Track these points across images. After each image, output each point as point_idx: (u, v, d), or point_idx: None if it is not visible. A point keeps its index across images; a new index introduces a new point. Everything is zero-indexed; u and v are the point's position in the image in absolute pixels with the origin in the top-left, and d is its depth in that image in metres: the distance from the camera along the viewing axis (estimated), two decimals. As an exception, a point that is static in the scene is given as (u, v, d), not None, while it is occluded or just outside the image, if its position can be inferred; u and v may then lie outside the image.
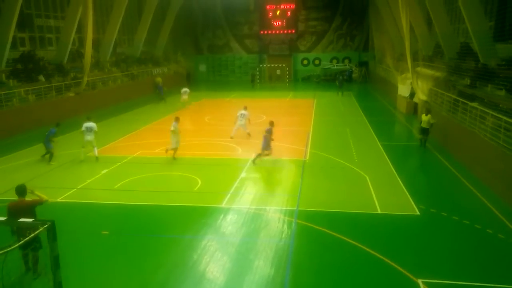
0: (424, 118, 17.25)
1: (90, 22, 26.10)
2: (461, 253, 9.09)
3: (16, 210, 7.77)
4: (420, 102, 23.51)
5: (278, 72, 47.33)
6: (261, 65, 48.27)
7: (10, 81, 23.54)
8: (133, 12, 40.42)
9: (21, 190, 8.02)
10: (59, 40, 29.54)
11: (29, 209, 7.80)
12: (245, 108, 20.46)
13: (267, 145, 15.39)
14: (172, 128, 15.99)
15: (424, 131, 17.44)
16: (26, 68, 25.21)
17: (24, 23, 26.86)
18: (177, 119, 16.30)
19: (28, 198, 8.04)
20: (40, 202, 7.94)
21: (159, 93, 33.79)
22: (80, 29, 28.91)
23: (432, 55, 26.64)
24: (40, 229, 7.39)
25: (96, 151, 16.20)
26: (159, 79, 36.19)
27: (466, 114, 16.09)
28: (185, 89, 29.67)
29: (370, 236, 9.77)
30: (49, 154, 16.10)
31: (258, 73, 46.36)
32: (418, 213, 11.07)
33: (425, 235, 9.92)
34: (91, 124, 15.95)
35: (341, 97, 33.90)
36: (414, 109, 25.23)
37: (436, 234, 9.99)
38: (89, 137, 15.82)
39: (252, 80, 43.96)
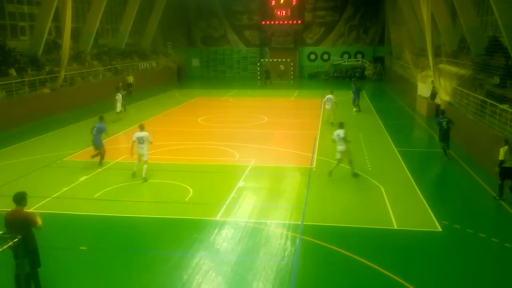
0: (502, 151, 12.76)
1: (68, 9, 26.17)
2: (488, 275, 9.06)
3: (12, 220, 7.80)
4: (442, 103, 23.56)
5: (281, 67, 47.37)
6: (262, 60, 48.41)
7: (-23, 75, 23.62)
8: (117, -1, 40.62)
9: (18, 198, 7.93)
10: (33, 29, 29.62)
11: (24, 221, 7.78)
12: (332, 92, 23.69)
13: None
14: (342, 136, 14.65)
15: (507, 172, 12.74)
16: (-5, 61, 25.28)
17: (-7, 9, 26.96)
18: (341, 125, 15.01)
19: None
20: (34, 223, 7.85)
21: (130, 92, 32.48)
22: (58, 17, 28.99)
23: (456, 50, 26.72)
24: (9, 243, 7.41)
25: (145, 169, 14.77)
26: (130, 78, 34.22)
27: (495, 118, 16.11)
28: (119, 95, 24.99)
29: (384, 254, 9.75)
30: (100, 155, 16.15)
31: (259, 68, 46.62)
32: (440, 229, 11.06)
33: (447, 255, 9.89)
34: (143, 133, 14.84)
35: (356, 114, 27.04)
36: (435, 112, 25.23)
37: (460, 253, 9.97)
38: (142, 150, 14.78)
39: (266, 77, 43.77)
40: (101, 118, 16.74)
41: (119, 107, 24.67)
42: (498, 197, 13.04)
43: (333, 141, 15.00)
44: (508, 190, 12.97)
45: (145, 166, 14.76)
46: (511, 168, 12.63)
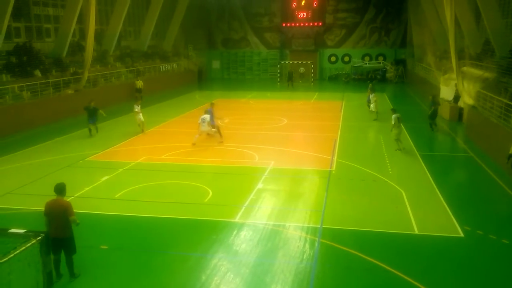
0: None
1: (92, 12, 26.60)
2: (511, 282, 8.89)
3: (52, 208, 8.52)
4: (466, 107, 23.18)
5: (301, 70, 47.09)
6: (282, 62, 48.34)
7: (3, 76, 24.07)
8: (140, 1, 41.08)
9: (59, 189, 8.72)
10: (58, 31, 30.16)
11: (64, 210, 8.43)
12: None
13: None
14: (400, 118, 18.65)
15: None
16: (21, 62, 25.80)
17: (20, 11, 27.48)
18: (395, 110, 19.10)
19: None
20: (71, 213, 8.47)
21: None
22: (82, 19, 29.50)
23: (480, 53, 26.23)
24: (33, 241, 7.57)
25: (214, 134, 19.80)
26: (139, 82, 33.18)
27: (520, 122, 15.79)
28: (138, 105, 22.31)
29: (405, 260, 9.64)
30: (217, 132, 19.95)
31: (279, 70, 46.61)
32: (462, 235, 10.88)
33: (469, 261, 9.74)
34: (205, 116, 19.42)
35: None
36: (459, 115, 24.85)
37: (483, 260, 9.80)
38: (204, 128, 19.31)
39: (289, 79, 42.91)
40: (212, 104, 20.84)
41: (140, 118, 21.90)
42: None
43: (392, 124, 18.46)
44: None
45: (214, 131, 19.70)
46: None
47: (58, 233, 8.36)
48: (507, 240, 10.56)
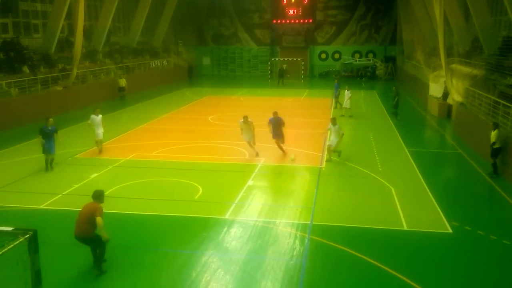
0: (494, 134, 15.04)
1: (81, 7, 26.36)
2: (499, 278, 8.98)
3: (83, 211, 8.87)
4: (454, 104, 23.36)
5: (284, 66, 46.85)
6: (272, 59, 48.34)
7: (-10, 72, 23.85)
8: (129, -3, 40.82)
9: (96, 195, 9.14)
10: (46, 27, 29.89)
11: (89, 212, 8.70)
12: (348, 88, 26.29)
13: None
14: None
15: (495, 152, 15.09)
16: (9, 58, 25.52)
17: (7, 7, 27.20)
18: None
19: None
20: (100, 226, 8.60)
21: (122, 97, 31.85)
22: (70, 15, 29.23)
23: (469, 50, 26.43)
24: (21, 239, 7.49)
25: (254, 151, 17.50)
26: (123, 81, 31.98)
27: (508, 119, 15.94)
28: (98, 115, 17.71)
29: (394, 255, 9.71)
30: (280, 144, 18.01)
31: (269, 67, 46.56)
32: (450, 230, 10.98)
33: (457, 256, 9.83)
34: (241, 120, 17.57)
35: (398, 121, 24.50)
36: (447, 112, 25.06)
37: (471, 255, 9.91)
38: (244, 136, 17.49)
39: (280, 76, 43.01)
40: (275, 113, 18.13)
41: (100, 133, 17.48)
42: (494, 175, 14.98)
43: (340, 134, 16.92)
44: (494, 168, 15.07)
45: (254, 147, 17.47)
46: (501, 148, 14.87)
47: (79, 231, 8.67)
48: (495, 235, 10.67)
